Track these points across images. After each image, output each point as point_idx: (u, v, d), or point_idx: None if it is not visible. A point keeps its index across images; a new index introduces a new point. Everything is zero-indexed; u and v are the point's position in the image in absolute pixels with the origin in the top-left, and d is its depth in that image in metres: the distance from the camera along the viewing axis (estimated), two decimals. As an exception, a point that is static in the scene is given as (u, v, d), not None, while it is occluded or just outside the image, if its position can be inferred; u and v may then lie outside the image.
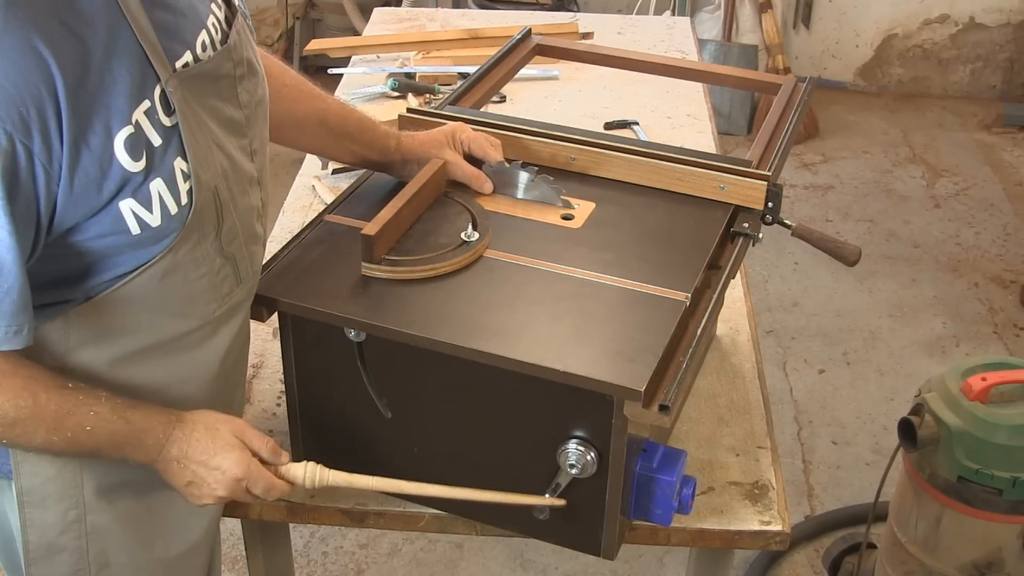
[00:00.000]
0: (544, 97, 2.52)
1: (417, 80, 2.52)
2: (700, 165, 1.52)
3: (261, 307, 1.32)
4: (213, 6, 1.20)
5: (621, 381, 1.16)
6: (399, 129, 1.61)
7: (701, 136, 2.36)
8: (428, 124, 1.62)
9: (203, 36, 1.16)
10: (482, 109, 1.82)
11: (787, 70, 4.67)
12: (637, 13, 4.64)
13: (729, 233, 1.47)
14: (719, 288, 1.36)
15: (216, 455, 1.21)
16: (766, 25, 4.72)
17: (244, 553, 1.64)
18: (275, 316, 1.34)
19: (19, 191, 1.01)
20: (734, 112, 4.69)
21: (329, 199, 1.95)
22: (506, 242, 1.40)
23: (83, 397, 1.14)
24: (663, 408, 1.16)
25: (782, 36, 4.76)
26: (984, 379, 1.94)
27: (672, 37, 2.96)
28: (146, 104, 1.08)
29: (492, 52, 1.96)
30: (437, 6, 4.44)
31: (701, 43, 3.32)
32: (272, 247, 1.79)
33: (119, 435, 1.17)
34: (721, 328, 1.74)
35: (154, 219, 1.11)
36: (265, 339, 1.71)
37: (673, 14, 4.60)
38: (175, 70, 1.11)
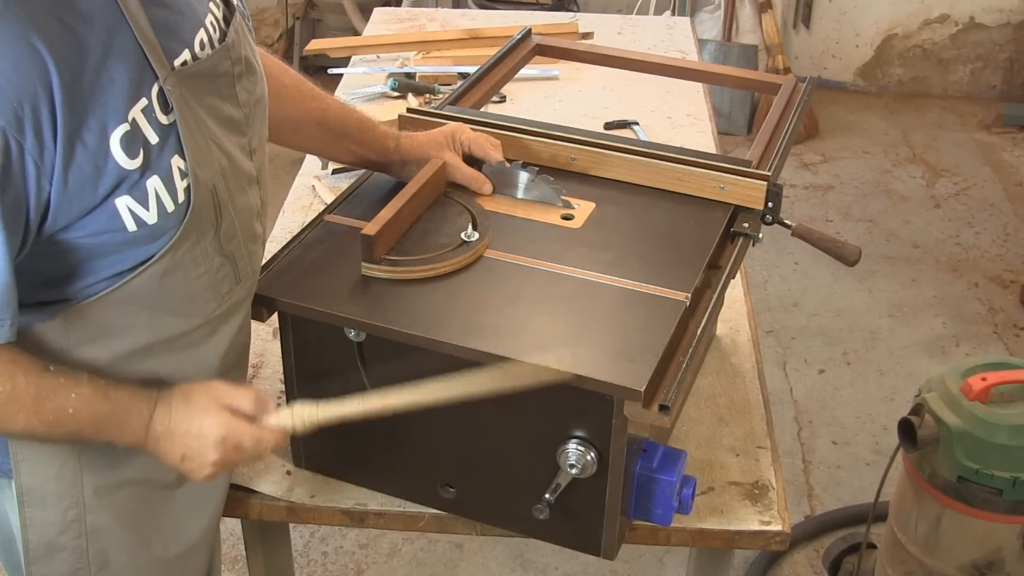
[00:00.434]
0: (544, 97, 2.52)
1: (417, 80, 2.52)
2: (700, 165, 1.52)
3: (261, 307, 1.32)
4: (211, 5, 1.20)
5: (621, 381, 1.16)
6: (399, 129, 1.62)
7: (701, 136, 2.36)
8: (428, 124, 1.62)
9: (201, 35, 1.16)
10: (482, 109, 1.82)
11: (787, 70, 4.67)
12: (637, 13, 4.64)
13: (729, 233, 1.47)
14: (719, 288, 1.36)
15: (195, 421, 1.20)
16: (766, 25, 4.72)
17: (244, 553, 1.64)
18: (275, 316, 1.34)
19: (9, 186, 1.01)
20: (734, 112, 4.69)
21: (329, 199, 1.95)
22: (506, 242, 1.40)
23: (64, 380, 1.14)
24: (663, 408, 1.16)
25: (782, 36, 4.76)
26: (984, 379, 1.94)
27: (672, 37, 2.96)
28: (143, 102, 1.08)
29: (492, 52, 1.96)
30: (437, 6, 4.44)
31: (701, 43, 3.32)
32: (272, 247, 1.80)
33: (102, 416, 1.16)
34: (721, 328, 1.74)
35: (151, 216, 1.10)
36: (265, 339, 1.71)
37: (673, 14, 4.60)
38: (173, 68, 1.11)
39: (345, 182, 2.05)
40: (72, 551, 1.27)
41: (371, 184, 1.56)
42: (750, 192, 1.50)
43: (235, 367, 1.35)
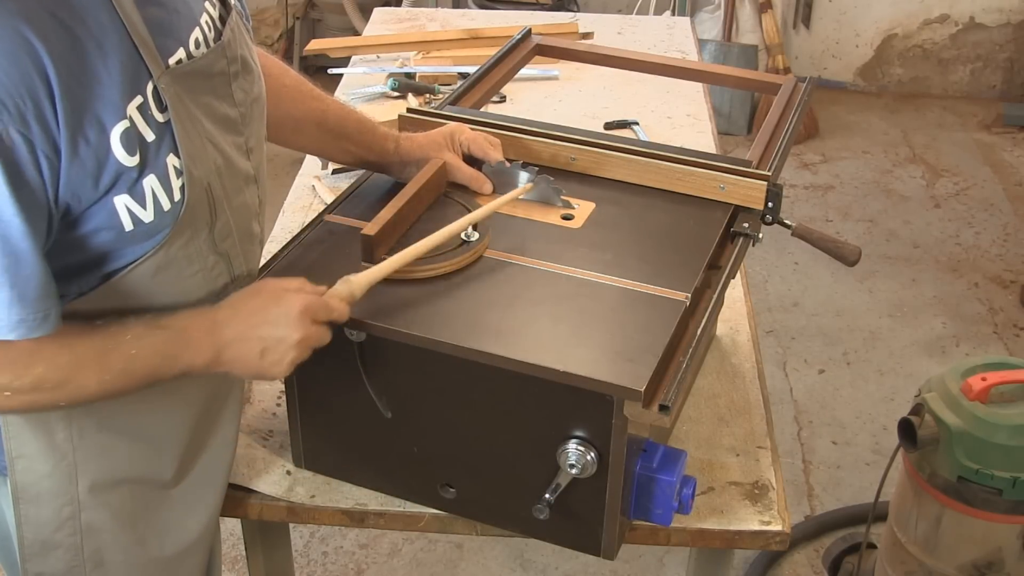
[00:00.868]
0: (544, 97, 2.52)
1: (417, 80, 2.52)
2: (700, 165, 1.52)
3: (261, 307, 1.31)
4: (207, 4, 1.20)
5: (621, 381, 1.16)
6: (399, 129, 1.62)
7: (701, 136, 2.36)
8: (428, 124, 1.62)
9: (196, 33, 1.17)
10: (482, 109, 1.82)
11: (787, 70, 4.67)
12: (637, 13, 4.64)
13: (729, 233, 1.47)
14: (719, 288, 1.36)
15: (269, 310, 1.19)
16: (766, 25, 4.72)
17: (244, 553, 1.64)
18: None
19: (25, 181, 1.01)
20: (734, 112, 4.69)
21: (329, 199, 1.95)
22: (506, 242, 1.40)
23: (114, 328, 1.14)
24: (663, 408, 1.16)
25: (782, 36, 4.76)
26: (984, 379, 1.94)
27: (672, 37, 2.96)
28: (139, 99, 1.08)
29: (492, 52, 1.96)
30: (437, 6, 4.44)
31: (701, 43, 3.32)
32: (272, 247, 1.80)
33: (165, 346, 1.16)
34: (721, 328, 1.74)
35: (147, 215, 1.11)
36: (265, 339, 1.70)
37: (673, 14, 4.60)
38: (167, 67, 1.11)
39: (345, 182, 2.05)
40: (67, 549, 1.27)
41: (371, 184, 1.56)
42: (750, 192, 1.50)
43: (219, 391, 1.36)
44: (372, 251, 1.32)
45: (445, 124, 1.59)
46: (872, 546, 2.40)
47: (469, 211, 1.44)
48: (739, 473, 1.46)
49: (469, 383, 1.28)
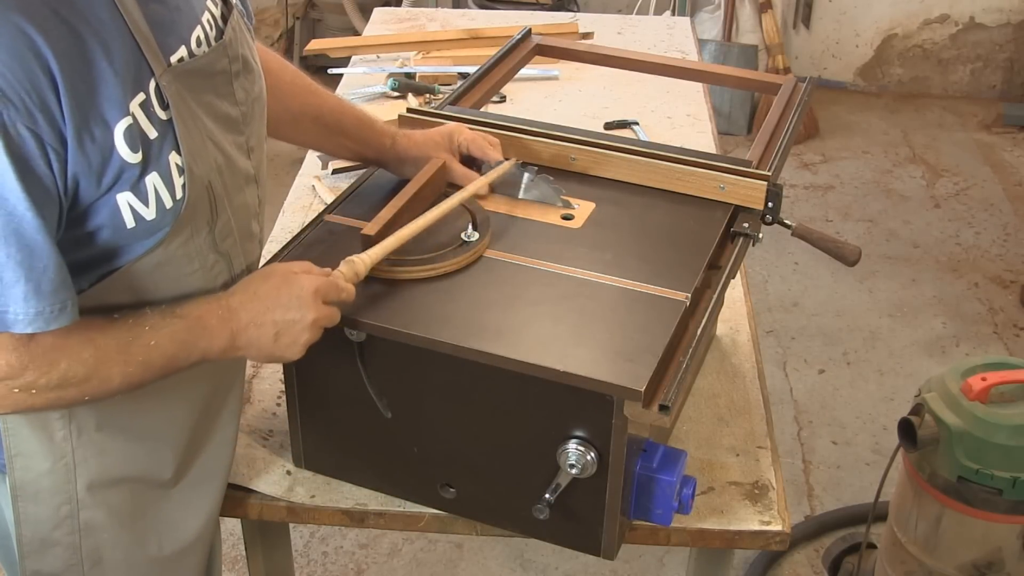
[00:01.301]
0: (544, 97, 2.52)
1: (417, 80, 2.52)
2: (700, 165, 1.52)
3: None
4: (209, 3, 1.21)
5: (621, 381, 1.16)
6: (399, 129, 1.62)
7: (701, 136, 2.36)
8: (428, 124, 1.62)
9: (198, 32, 1.17)
10: (482, 109, 1.82)
11: (787, 70, 4.67)
12: (637, 13, 4.64)
13: (729, 233, 1.47)
14: (719, 288, 1.36)
15: (281, 289, 1.20)
16: (766, 25, 4.72)
17: (244, 553, 1.64)
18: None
19: (35, 175, 1.02)
20: (734, 112, 4.69)
21: (329, 199, 1.95)
22: (506, 242, 1.40)
23: (132, 320, 1.14)
24: (663, 408, 1.16)
25: (782, 36, 4.76)
26: (984, 379, 1.94)
27: (672, 37, 2.96)
28: (141, 96, 1.08)
29: (492, 52, 1.96)
30: (437, 6, 4.44)
31: (701, 43, 3.32)
32: (272, 247, 1.80)
33: (183, 333, 1.16)
34: (721, 328, 1.74)
35: (149, 213, 1.11)
36: (265, 339, 1.70)
37: (673, 14, 4.60)
38: (169, 64, 1.11)
39: (345, 182, 2.05)
40: (65, 547, 1.27)
41: (371, 184, 1.56)
42: (750, 192, 1.50)
43: (232, 365, 1.36)
44: (372, 251, 1.32)
45: (445, 124, 1.59)
46: (872, 546, 2.40)
47: (469, 211, 1.44)
48: (739, 473, 1.46)
49: (469, 383, 1.28)
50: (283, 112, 1.47)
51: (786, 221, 1.55)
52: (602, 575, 2.56)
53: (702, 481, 1.43)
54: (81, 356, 1.11)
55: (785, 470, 2.63)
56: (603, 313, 1.28)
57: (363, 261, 1.26)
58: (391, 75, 2.49)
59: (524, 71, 2.14)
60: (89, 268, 1.14)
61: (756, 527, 1.39)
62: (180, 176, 1.12)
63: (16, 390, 1.09)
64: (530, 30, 2.01)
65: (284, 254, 1.38)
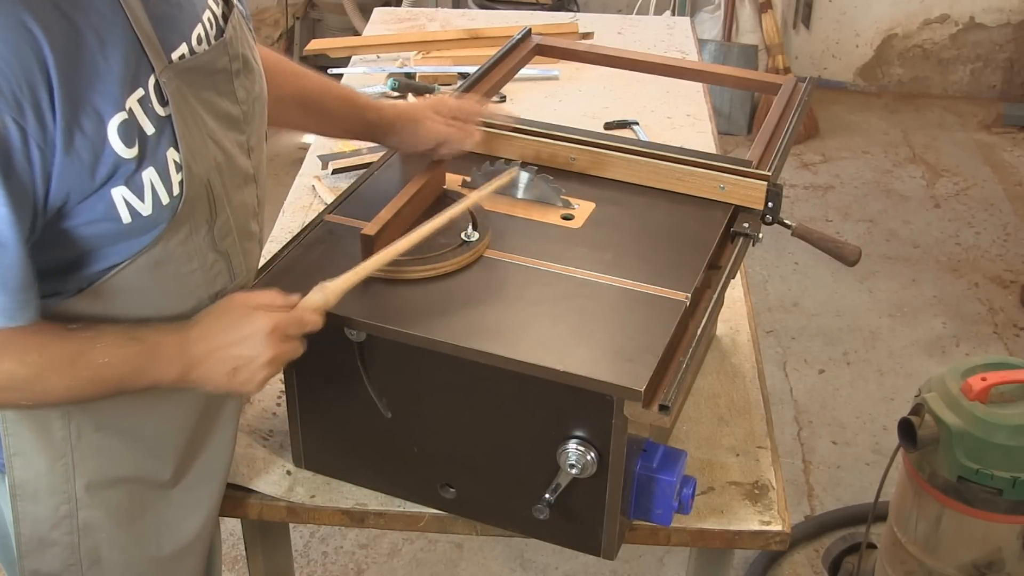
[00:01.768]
0: (544, 97, 2.52)
1: (417, 80, 2.52)
2: (700, 165, 1.52)
3: (261, 307, 1.31)
4: (210, 1, 1.21)
5: (621, 381, 1.16)
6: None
7: (701, 136, 2.36)
8: (428, 124, 1.62)
9: (199, 30, 1.17)
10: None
11: (787, 70, 4.67)
12: (637, 13, 4.64)
13: (729, 233, 1.47)
14: (719, 288, 1.36)
15: (237, 327, 1.19)
16: (766, 25, 4.72)
17: (244, 553, 1.64)
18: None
19: (14, 169, 1.01)
20: (734, 112, 4.69)
21: (329, 199, 1.95)
22: (506, 242, 1.40)
23: (89, 334, 1.14)
24: (663, 408, 1.16)
25: (782, 36, 4.76)
26: (984, 379, 1.94)
27: (672, 37, 2.96)
28: (140, 92, 1.08)
29: (492, 52, 1.96)
30: (437, 6, 4.44)
31: (701, 43, 3.32)
32: (272, 247, 1.80)
33: (137, 357, 1.16)
34: (721, 328, 1.74)
35: (145, 208, 1.11)
36: (265, 339, 1.70)
37: (673, 14, 4.60)
38: (170, 61, 1.11)
39: (345, 182, 2.05)
40: (64, 546, 1.28)
41: (371, 184, 1.56)
42: (750, 192, 1.50)
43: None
44: (372, 251, 1.32)
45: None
46: (872, 546, 2.40)
47: (469, 211, 1.44)
48: (739, 473, 1.46)
49: (469, 383, 1.28)
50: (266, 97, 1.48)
51: (786, 221, 1.55)
52: (602, 575, 2.56)
53: (702, 481, 1.43)
54: (28, 359, 1.10)
55: (785, 470, 2.63)
56: (603, 313, 1.28)
57: (333, 290, 1.23)
58: (391, 75, 2.49)
59: (524, 71, 2.13)
60: (87, 265, 1.14)
61: (756, 527, 1.39)
62: (178, 173, 1.12)
63: None
64: (530, 30, 2.01)
65: (284, 254, 1.38)
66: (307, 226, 1.45)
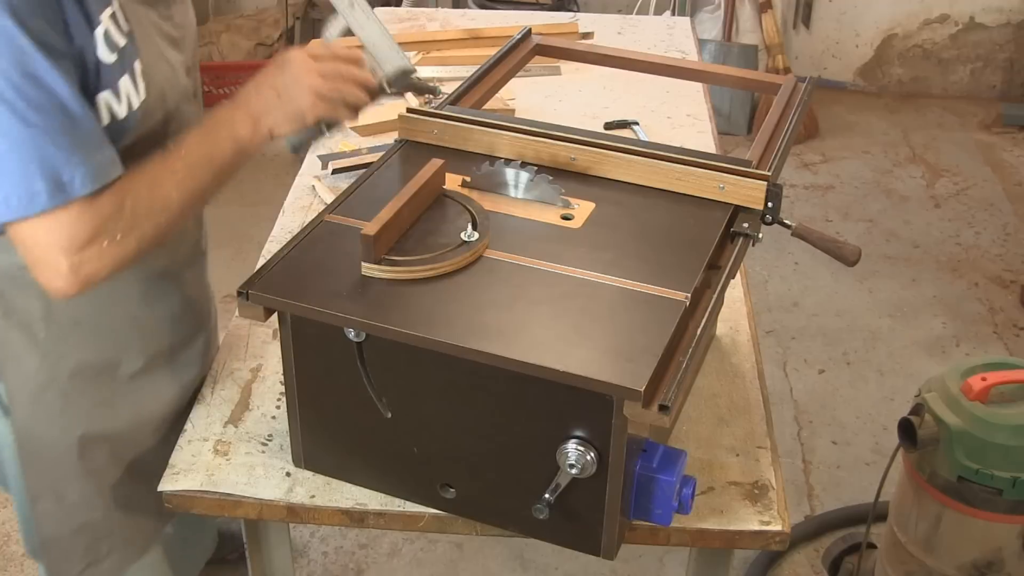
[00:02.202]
0: (544, 97, 2.52)
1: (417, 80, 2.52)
2: (700, 165, 1.52)
3: (260, 307, 1.32)
4: None
5: (621, 381, 1.16)
6: (398, 129, 1.63)
7: (701, 136, 2.36)
8: (428, 124, 1.62)
9: None
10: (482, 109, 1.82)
11: (787, 70, 4.67)
12: (637, 13, 4.64)
13: (729, 233, 1.47)
14: (719, 288, 1.36)
15: (274, 61, 1.40)
16: (766, 25, 4.72)
17: (244, 553, 1.64)
18: (275, 316, 1.34)
19: (63, 58, 1.18)
20: (734, 112, 4.69)
21: (329, 199, 1.95)
22: (506, 242, 1.40)
23: (160, 151, 1.31)
24: (663, 408, 1.16)
25: (782, 36, 4.76)
26: (984, 379, 1.94)
27: (672, 37, 2.96)
28: (111, 9, 1.23)
29: (492, 52, 1.96)
30: (437, 6, 4.44)
31: (701, 43, 3.32)
32: (272, 247, 1.80)
33: (204, 131, 1.34)
34: (721, 328, 1.74)
35: (121, 111, 1.27)
36: (265, 340, 1.71)
37: (673, 14, 4.60)
38: None
39: (345, 182, 2.05)
40: (56, 442, 1.51)
41: (371, 184, 1.56)
42: (750, 192, 1.50)
43: (200, 306, 1.62)
44: (372, 251, 1.32)
45: (446, 123, 1.59)
46: (872, 546, 2.40)
47: (469, 211, 1.44)
48: (739, 473, 1.46)
49: (469, 383, 1.28)
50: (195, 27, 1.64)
51: (786, 221, 1.55)
52: (602, 575, 2.56)
53: (702, 481, 1.44)
54: (137, 188, 1.26)
55: (785, 470, 2.62)
56: (603, 313, 1.28)
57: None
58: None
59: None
60: None
61: (756, 527, 1.39)
62: (142, 81, 1.30)
63: (106, 244, 1.23)
64: (530, 30, 2.01)
65: (284, 254, 1.38)
66: (307, 226, 1.45)
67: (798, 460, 2.92)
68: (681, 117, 2.45)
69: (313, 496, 1.43)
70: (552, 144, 1.59)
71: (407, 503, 1.41)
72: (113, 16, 1.24)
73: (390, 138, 2.06)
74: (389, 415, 1.34)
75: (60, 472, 1.52)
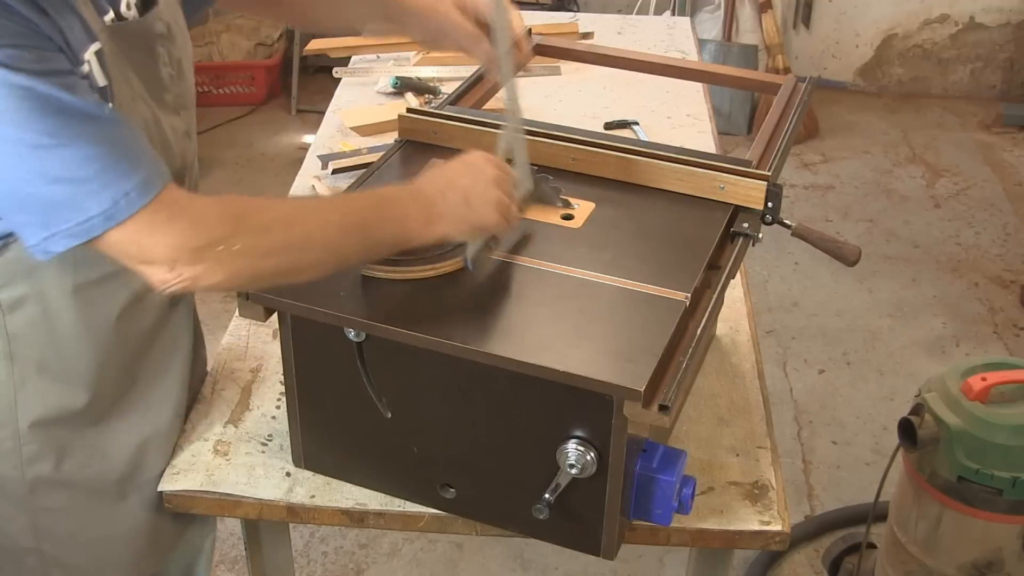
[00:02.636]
0: (544, 97, 2.52)
1: (417, 79, 2.52)
2: (700, 165, 1.52)
3: (260, 307, 1.32)
4: None
5: (621, 381, 1.16)
6: (398, 129, 1.63)
7: (701, 136, 2.36)
8: (428, 124, 1.62)
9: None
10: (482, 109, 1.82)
11: (787, 70, 4.67)
12: (637, 13, 4.64)
13: (729, 233, 1.47)
14: (719, 288, 1.36)
15: (461, 159, 1.31)
16: (766, 25, 4.72)
17: (244, 553, 1.64)
18: (275, 316, 1.34)
19: (85, 87, 1.12)
20: (734, 112, 4.69)
21: (329, 199, 1.95)
22: (506, 242, 1.40)
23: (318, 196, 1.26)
24: (663, 408, 1.16)
25: (782, 36, 4.76)
26: (984, 379, 1.94)
27: (672, 37, 2.96)
28: (97, 45, 1.16)
29: (492, 52, 1.95)
30: (437, 6, 4.44)
31: (701, 43, 3.32)
32: (272, 247, 1.79)
33: (374, 201, 1.27)
34: (721, 328, 1.74)
35: None
36: (265, 340, 1.71)
37: (673, 14, 4.60)
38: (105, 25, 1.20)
39: (345, 182, 2.05)
40: (11, 480, 1.35)
41: (371, 184, 1.56)
42: (750, 192, 1.50)
43: (177, 327, 1.47)
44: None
45: (446, 123, 1.59)
46: (872, 546, 2.40)
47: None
48: (739, 473, 1.46)
49: (469, 383, 1.27)
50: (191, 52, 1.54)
51: (786, 221, 1.55)
52: (602, 575, 2.56)
53: (702, 481, 1.43)
54: (273, 211, 1.19)
55: (785, 470, 2.62)
56: (603, 313, 1.28)
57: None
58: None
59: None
60: None
61: (756, 527, 1.39)
62: None
63: (221, 249, 1.14)
64: (530, 30, 2.01)
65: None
66: (307, 226, 1.45)
67: (798, 460, 2.92)
68: (681, 117, 2.44)
69: (313, 496, 1.43)
70: (552, 144, 1.58)
71: (407, 503, 1.41)
72: (99, 53, 1.17)
73: (390, 138, 2.06)
74: (389, 415, 1.34)
75: (4, 509, 1.37)
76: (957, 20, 4.97)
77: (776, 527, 1.39)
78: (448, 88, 2.41)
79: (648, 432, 1.33)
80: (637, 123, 2.38)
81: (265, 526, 1.59)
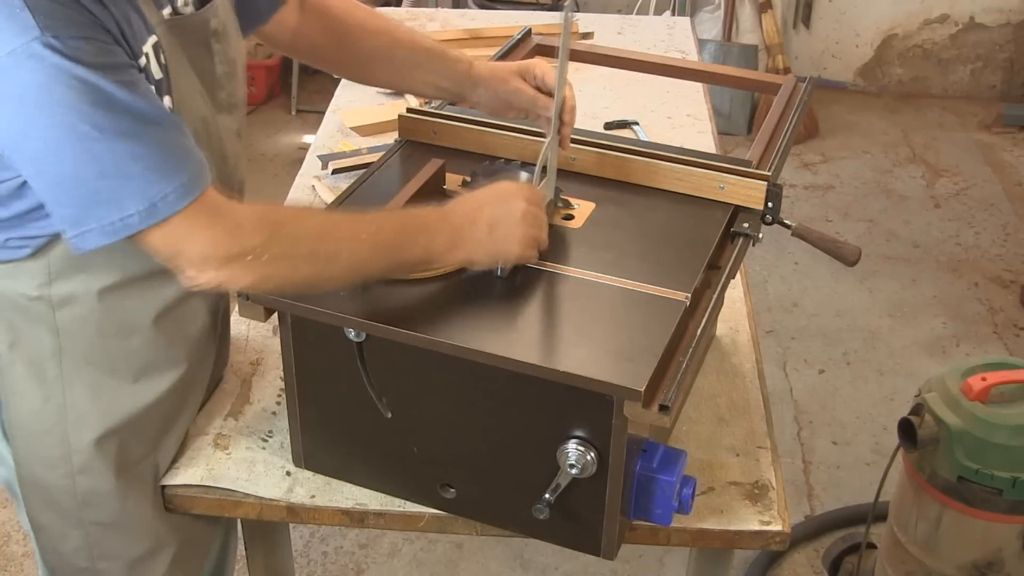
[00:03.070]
0: (544, 97, 2.52)
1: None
2: (700, 165, 1.52)
3: (260, 307, 1.32)
4: None
5: (621, 381, 1.16)
6: (398, 129, 1.63)
7: (701, 136, 2.36)
8: (428, 124, 1.62)
9: None
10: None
11: (787, 70, 4.67)
12: (637, 13, 4.64)
13: (729, 233, 1.47)
14: (719, 288, 1.36)
15: (494, 190, 1.32)
16: (766, 25, 4.72)
17: (244, 553, 1.64)
18: (275, 316, 1.34)
19: (142, 82, 1.13)
20: (734, 112, 4.69)
21: (329, 199, 1.95)
22: (506, 242, 1.40)
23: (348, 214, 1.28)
24: (663, 408, 1.16)
25: (782, 36, 4.76)
26: (984, 379, 1.94)
27: (672, 37, 2.96)
28: (154, 39, 1.17)
29: (492, 52, 1.96)
30: (437, 6, 4.44)
31: (701, 43, 3.32)
32: (272, 247, 1.79)
33: (403, 222, 1.28)
34: (721, 328, 1.74)
35: None
36: (266, 334, 1.71)
37: (673, 14, 4.60)
38: (162, 18, 1.21)
39: (345, 182, 2.05)
40: (61, 489, 1.35)
41: (371, 184, 1.56)
42: (750, 192, 1.50)
43: (215, 307, 1.45)
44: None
45: (446, 123, 1.59)
46: (872, 546, 2.40)
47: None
48: (739, 473, 1.46)
49: (469, 383, 1.28)
50: (354, 56, 1.52)
51: (786, 221, 1.55)
52: (602, 575, 2.56)
53: (702, 481, 1.43)
54: (306, 221, 1.23)
55: (785, 470, 2.62)
56: (603, 313, 1.28)
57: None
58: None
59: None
60: None
61: (756, 527, 1.39)
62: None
63: (250, 259, 1.16)
64: (530, 30, 2.01)
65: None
66: (307, 226, 1.45)
67: (798, 460, 2.92)
68: (681, 117, 2.44)
69: (313, 496, 1.43)
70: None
71: (407, 503, 1.41)
72: (156, 46, 1.18)
73: (390, 138, 2.06)
74: (389, 415, 1.34)
75: (58, 514, 1.38)
76: (957, 20, 4.97)
77: (776, 527, 1.39)
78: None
79: (648, 432, 1.33)
80: (637, 123, 2.38)
81: (265, 526, 1.59)
